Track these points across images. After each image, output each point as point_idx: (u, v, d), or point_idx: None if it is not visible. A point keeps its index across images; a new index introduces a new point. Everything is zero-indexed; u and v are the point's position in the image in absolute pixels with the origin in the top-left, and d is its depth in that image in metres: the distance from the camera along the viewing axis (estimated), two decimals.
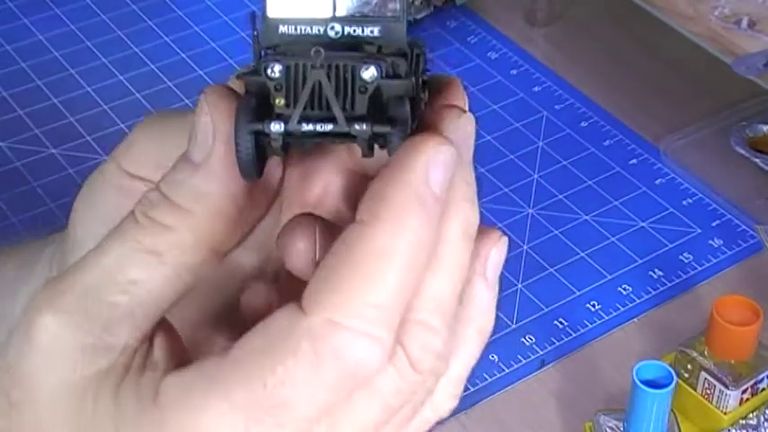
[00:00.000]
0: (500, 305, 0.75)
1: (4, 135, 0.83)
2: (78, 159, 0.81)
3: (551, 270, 0.75)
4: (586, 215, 0.78)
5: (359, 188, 0.40)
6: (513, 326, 0.71)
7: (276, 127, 0.33)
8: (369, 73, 0.34)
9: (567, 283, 0.74)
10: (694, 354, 0.64)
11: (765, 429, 0.64)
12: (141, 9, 0.94)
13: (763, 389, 0.65)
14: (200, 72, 0.88)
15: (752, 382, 0.64)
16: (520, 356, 0.70)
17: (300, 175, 0.41)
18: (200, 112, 0.35)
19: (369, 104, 0.34)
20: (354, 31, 0.34)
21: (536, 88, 0.89)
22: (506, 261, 0.78)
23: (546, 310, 0.72)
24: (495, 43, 0.93)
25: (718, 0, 0.85)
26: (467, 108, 0.38)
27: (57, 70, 0.88)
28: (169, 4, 0.95)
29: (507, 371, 0.69)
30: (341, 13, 0.34)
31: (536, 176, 0.81)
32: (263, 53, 0.35)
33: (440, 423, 0.68)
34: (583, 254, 0.76)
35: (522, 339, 0.71)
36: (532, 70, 0.90)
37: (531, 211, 0.79)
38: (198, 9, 0.95)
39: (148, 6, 0.95)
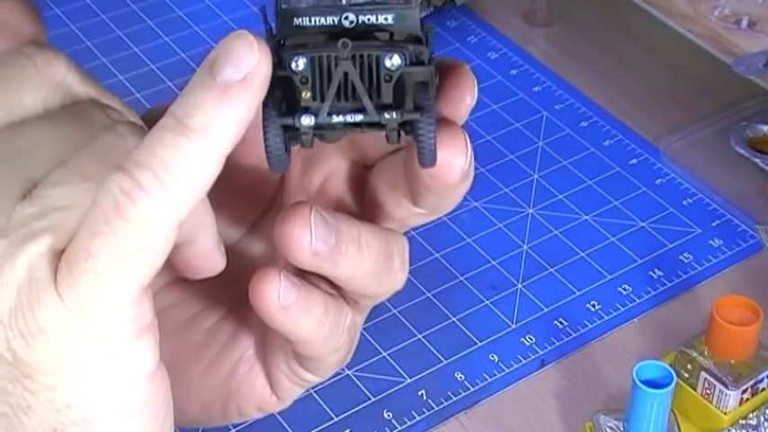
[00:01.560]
0: (500, 305, 0.76)
1: None
2: None
3: (551, 270, 0.75)
4: (586, 215, 0.78)
5: (360, 177, 0.40)
6: (513, 326, 0.71)
7: (307, 120, 0.34)
8: (393, 61, 0.34)
9: (567, 283, 0.74)
10: (694, 354, 0.64)
11: (765, 429, 0.64)
12: (141, 9, 0.94)
13: (763, 389, 0.65)
14: None
15: (752, 382, 0.64)
16: (520, 356, 0.70)
17: (303, 165, 0.41)
18: (234, 36, 0.34)
19: (393, 92, 0.34)
20: (369, 19, 0.34)
21: (536, 88, 0.89)
22: (506, 261, 0.78)
23: (546, 310, 0.72)
24: (495, 43, 0.93)
25: (718, 0, 0.85)
26: (476, 92, 0.38)
27: None
28: (169, 4, 0.95)
29: (507, 371, 0.69)
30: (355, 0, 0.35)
31: (536, 176, 0.81)
32: (278, 45, 0.35)
33: (440, 423, 0.68)
34: (583, 254, 0.76)
35: (522, 339, 0.71)
36: (532, 70, 0.90)
37: (531, 211, 0.79)
38: (198, 9, 0.95)
39: (148, 6, 0.95)
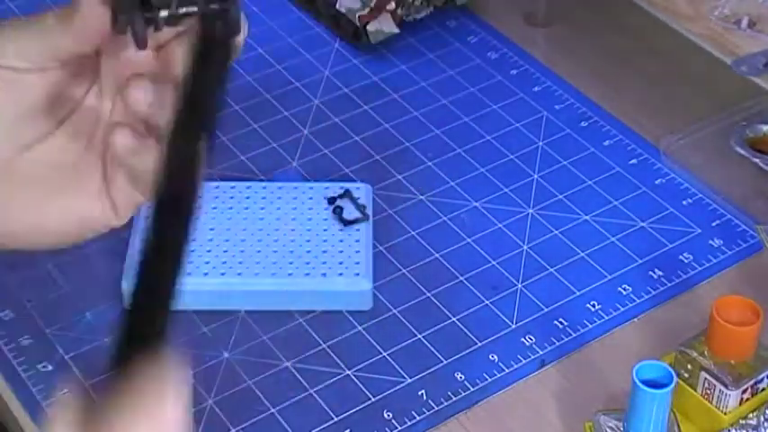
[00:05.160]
0: (500, 305, 0.76)
1: None
2: None
3: (551, 270, 0.75)
4: (586, 215, 0.78)
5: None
6: (513, 326, 0.71)
7: (163, 13, 0.46)
8: None
9: (567, 283, 0.74)
10: (694, 354, 0.64)
11: (765, 429, 0.64)
12: None
13: (763, 389, 0.65)
14: None
15: (752, 382, 0.64)
16: (520, 356, 0.70)
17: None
18: None
19: None
20: None
21: (536, 88, 0.89)
22: (506, 261, 0.78)
23: (546, 310, 0.72)
24: (496, 43, 0.93)
25: (718, 0, 0.85)
26: None
27: None
28: None
29: (507, 371, 0.69)
30: None
31: (536, 176, 0.81)
32: None
33: (440, 423, 0.68)
34: (583, 254, 0.76)
35: (522, 339, 0.71)
36: (532, 70, 0.90)
37: (531, 211, 0.79)
38: None
39: None
